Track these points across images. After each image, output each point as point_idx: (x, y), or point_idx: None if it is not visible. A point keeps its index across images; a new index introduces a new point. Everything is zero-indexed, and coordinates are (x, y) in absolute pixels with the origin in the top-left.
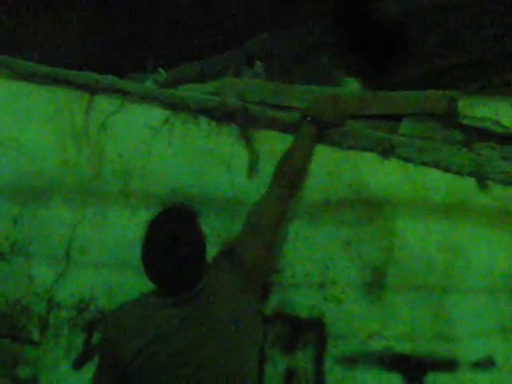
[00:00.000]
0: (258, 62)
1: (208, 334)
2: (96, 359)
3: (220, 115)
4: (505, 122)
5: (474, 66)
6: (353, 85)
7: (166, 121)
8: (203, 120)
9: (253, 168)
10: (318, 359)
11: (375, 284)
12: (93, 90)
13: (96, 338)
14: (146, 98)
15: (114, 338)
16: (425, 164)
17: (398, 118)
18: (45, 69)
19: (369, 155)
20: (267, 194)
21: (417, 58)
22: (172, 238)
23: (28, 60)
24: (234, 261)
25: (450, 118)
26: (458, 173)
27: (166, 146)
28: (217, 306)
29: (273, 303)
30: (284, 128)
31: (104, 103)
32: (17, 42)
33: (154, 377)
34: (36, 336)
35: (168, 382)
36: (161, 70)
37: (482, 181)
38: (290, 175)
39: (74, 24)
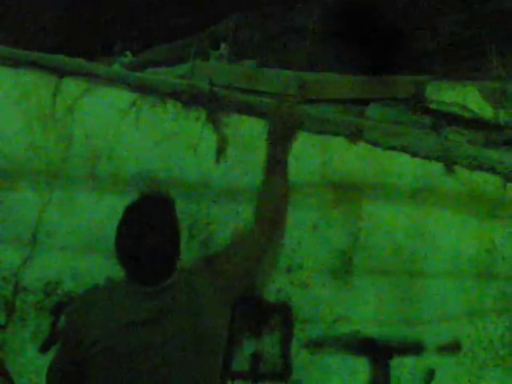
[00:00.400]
0: (222, 45)
1: (179, 331)
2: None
3: (188, 99)
4: (472, 106)
5: (442, 51)
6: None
7: (134, 104)
8: (171, 103)
9: (220, 152)
10: (285, 343)
11: (342, 268)
12: (60, 72)
13: (63, 321)
14: (113, 81)
15: (78, 322)
16: (392, 148)
17: (365, 102)
18: (11, 51)
19: (336, 139)
20: (251, 231)
21: (388, 43)
22: (148, 225)
23: None
24: (213, 271)
25: (417, 102)
26: (426, 157)
27: (134, 130)
28: (191, 305)
29: None
30: (252, 112)
31: (71, 86)
32: None
33: (117, 365)
34: (2, 320)
35: (132, 372)
36: (127, 52)
37: (449, 165)
38: (270, 216)
39: (43, 8)
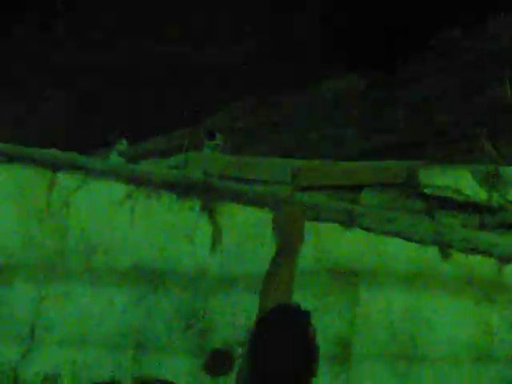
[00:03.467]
0: (218, 135)
1: None
2: None
3: (182, 189)
4: (466, 190)
5: (436, 135)
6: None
7: (129, 196)
8: (165, 194)
9: (216, 242)
10: None
11: (340, 355)
12: (54, 167)
13: None
14: (107, 174)
15: None
16: (386, 234)
17: (358, 189)
18: (5, 146)
19: (331, 226)
20: None
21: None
22: (282, 339)
23: None
24: None
25: (410, 187)
26: (420, 242)
27: (129, 221)
28: None
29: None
30: (246, 201)
31: (66, 180)
32: None
33: None
34: None
35: None
36: (123, 140)
37: (443, 249)
38: None
39: (40, 102)
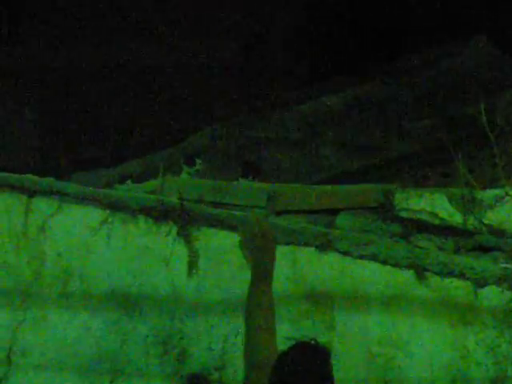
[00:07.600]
0: (197, 160)
1: None
2: None
3: (158, 214)
4: (441, 213)
5: (411, 158)
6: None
7: (105, 221)
8: (142, 219)
9: (192, 266)
10: None
11: None
12: (30, 191)
13: None
14: (83, 199)
15: None
16: (362, 257)
17: (334, 212)
18: None
19: (306, 250)
20: None
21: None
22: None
23: None
24: None
25: (386, 210)
26: (396, 265)
27: (105, 246)
28: None
29: None
30: (222, 225)
31: (42, 205)
32: None
33: None
34: None
35: None
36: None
37: (419, 272)
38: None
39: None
